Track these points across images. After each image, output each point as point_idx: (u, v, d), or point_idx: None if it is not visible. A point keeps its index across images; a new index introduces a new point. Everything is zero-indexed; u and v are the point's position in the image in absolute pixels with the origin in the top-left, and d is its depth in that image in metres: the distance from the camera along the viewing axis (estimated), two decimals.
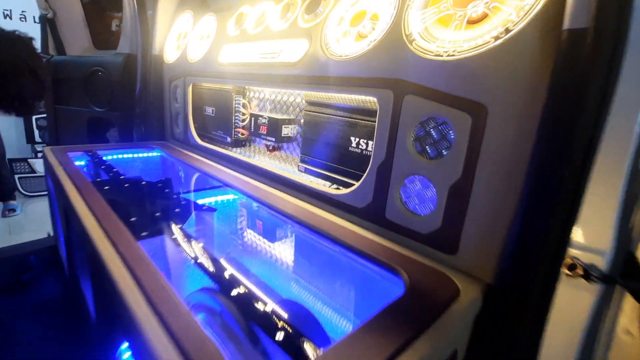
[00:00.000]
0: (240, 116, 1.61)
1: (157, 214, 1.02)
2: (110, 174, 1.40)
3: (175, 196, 1.18)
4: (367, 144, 1.02)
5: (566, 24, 0.59)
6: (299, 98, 1.35)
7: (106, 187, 1.22)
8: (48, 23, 2.25)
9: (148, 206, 1.10)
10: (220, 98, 1.65)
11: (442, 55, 0.75)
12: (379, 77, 0.90)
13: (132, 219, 0.96)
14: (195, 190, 1.30)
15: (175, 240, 0.88)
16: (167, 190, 1.24)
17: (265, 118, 1.41)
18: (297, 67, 1.13)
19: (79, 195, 1.08)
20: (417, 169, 0.85)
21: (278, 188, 1.29)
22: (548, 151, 0.62)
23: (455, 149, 0.77)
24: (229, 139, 1.65)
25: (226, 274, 0.76)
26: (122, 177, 1.36)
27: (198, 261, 0.78)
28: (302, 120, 1.27)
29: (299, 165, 1.26)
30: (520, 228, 0.68)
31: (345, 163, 1.09)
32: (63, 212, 1.30)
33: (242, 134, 1.63)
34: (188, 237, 0.89)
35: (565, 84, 0.58)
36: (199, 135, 1.84)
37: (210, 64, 1.57)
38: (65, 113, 2.42)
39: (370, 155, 0.99)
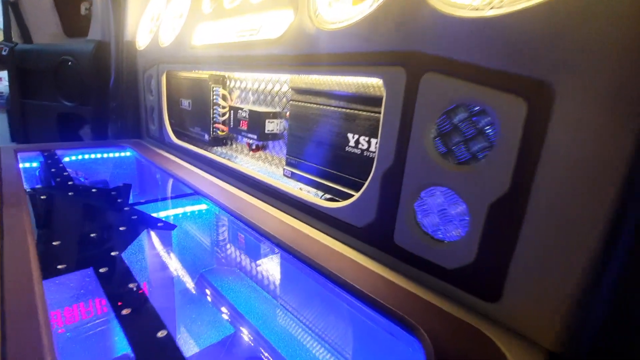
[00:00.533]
0: (220, 110, 1.36)
1: (93, 234, 0.77)
2: (58, 179, 1.15)
3: (127, 209, 0.94)
4: (369, 142, 0.77)
5: None
6: (286, 86, 1.11)
7: (43, 197, 0.97)
8: (11, 8, 2.00)
9: (87, 223, 0.85)
10: (196, 88, 1.41)
11: (482, 10, 0.50)
12: (385, 51, 0.65)
13: (55, 243, 0.72)
14: (157, 200, 1.05)
15: (102, 274, 0.63)
16: (119, 201, 1.00)
17: (245, 111, 1.16)
18: (280, 44, 0.88)
19: None
20: (440, 178, 0.60)
21: (260, 197, 1.04)
22: None
23: (500, 151, 0.52)
24: (206, 137, 1.40)
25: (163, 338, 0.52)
26: (71, 182, 1.12)
27: (123, 312, 0.53)
28: (287, 113, 1.02)
29: (284, 169, 1.02)
30: (615, 270, 0.43)
31: (342, 167, 0.84)
32: None
33: (222, 131, 1.39)
34: (122, 271, 0.64)
35: None
36: (176, 133, 1.59)
37: (182, 47, 1.33)
38: (33, 107, 2.18)
39: (373, 158, 0.74)
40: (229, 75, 1.37)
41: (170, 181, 1.33)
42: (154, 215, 0.98)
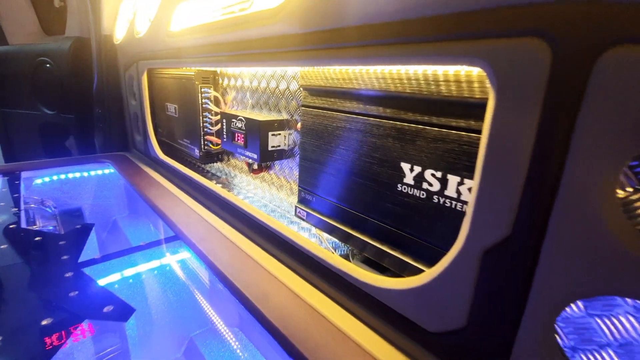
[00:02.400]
0: (211, 117, 1.05)
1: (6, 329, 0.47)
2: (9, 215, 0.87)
3: (69, 275, 0.63)
4: (443, 181, 0.43)
5: None
6: (296, 79, 0.78)
7: None
8: None
9: (6, 302, 0.56)
10: (182, 90, 1.09)
11: None
12: (498, 6, 0.31)
13: None
14: (121, 253, 0.75)
15: None
16: (65, 257, 0.70)
17: (240, 120, 0.84)
18: (284, 17, 0.55)
19: None
20: (635, 279, 0.26)
21: (265, 247, 0.72)
22: None
23: None
24: (196, 152, 1.09)
25: None
26: (13, 226, 0.83)
27: None
28: (299, 124, 0.69)
29: (296, 208, 0.69)
30: None
31: (389, 216, 0.51)
32: None
33: (215, 144, 1.07)
34: None
35: None
36: (164, 145, 1.29)
37: (158, 35, 1.01)
38: (12, 117, 1.92)
39: (455, 210, 0.41)
40: (221, 71, 1.06)
41: (142, 214, 1.03)
42: (110, 278, 0.68)
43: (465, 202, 0.42)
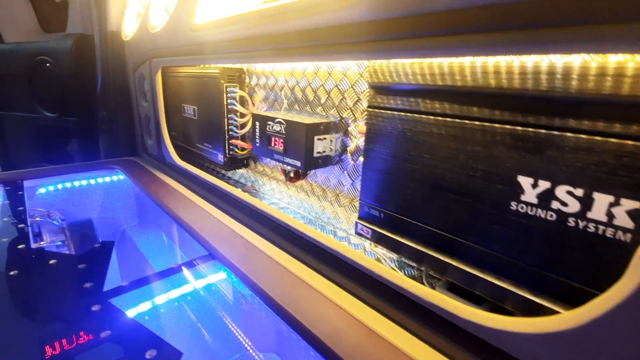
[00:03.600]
0: (237, 118, 0.95)
1: None
2: (4, 239, 0.76)
3: (96, 308, 0.54)
4: (586, 202, 0.34)
5: None
6: (343, 78, 0.69)
7: None
8: None
9: (21, 343, 0.46)
10: (203, 90, 1.00)
11: None
12: None
13: None
14: (147, 280, 0.65)
15: None
16: (88, 285, 0.60)
17: (280, 123, 0.75)
18: (345, 5, 0.46)
19: None
20: None
21: (315, 265, 0.63)
22: None
23: None
24: (220, 157, 1.00)
25: None
26: (22, 246, 0.73)
27: None
28: (363, 125, 0.60)
29: (357, 224, 0.60)
30: None
31: (496, 241, 0.42)
32: None
33: (241, 149, 0.98)
34: None
35: None
36: (179, 149, 1.19)
37: (180, 29, 0.91)
38: (10, 121, 1.81)
39: (620, 243, 0.32)
40: (248, 68, 0.96)
41: (174, 227, 0.94)
42: (139, 308, 0.58)
43: (620, 228, 0.33)
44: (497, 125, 0.40)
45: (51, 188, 1.24)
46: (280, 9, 0.59)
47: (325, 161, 0.74)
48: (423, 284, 0.54)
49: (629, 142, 0.32)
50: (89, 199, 1.28)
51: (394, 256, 0.61)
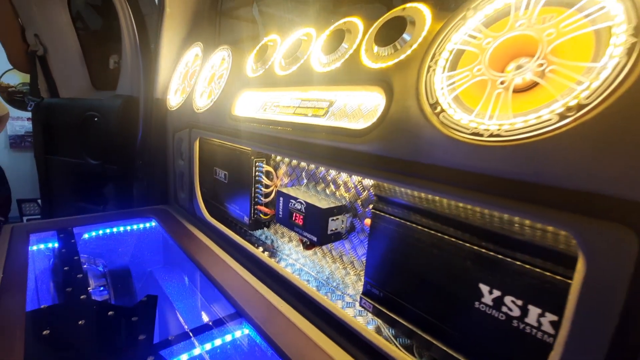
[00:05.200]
0: (262, 189, 1.12)
1: None
2: (69, 289, 0.92)
3: (151, 359, 0.68)
4: (523, 309, 0.49)
5: None
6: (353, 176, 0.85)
7: (45, 332, 0.74)
8: (39, 61, 1.90)
9: None
10: (235, 160, 1.18)
11: None
12: (586, 191, 0.38)
13: None
14: (187, 335, 0.79)
15: None
16: (141, 338, 0.74)
17: (301, 203, 0.91)
18: (367, 141, 0.63)
19: None
20: None
21: (324, 329, 0.76)
22: None
23: None
24: (246, 219, 1.16)
25: None
26: (84, 297, 0.88)
27: None
28: (368, 220, 0.75)
29: (361, 299, 0.74)
30: None
31: (464, 328, 0.56)
32: None
33: (265, 215, 1.14)
34: None
35: None
36: (209, 205, 1.36)
37: (221, 116, 1.11)
38: (58, 164, 2.03)
39: (545, 343, 0.46)
40: None
41: (199, 278, 1.08)
42: (183, 358, 0.72)
43: (545, 332, 0.47)
44: (466, 244, 0.55)
45: (93, 234, 1.41)
46: (309, 127, 0.77)
47: (336, 237, 0.89)
48: (414, 354, 0.67)
49: (548, 273, 0.46)
50: (125, 244, 1.44)
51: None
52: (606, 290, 0.38)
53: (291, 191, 0.99)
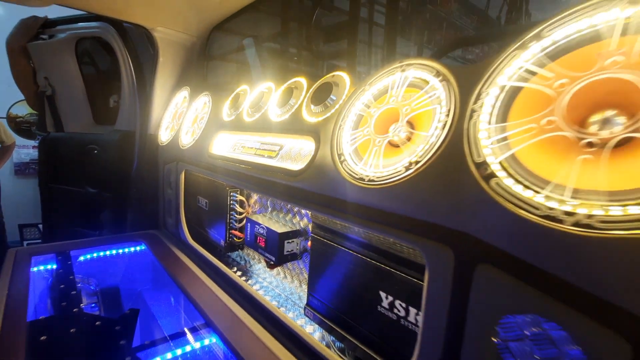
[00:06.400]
0: (236, 215, 1.29)
1: None
2: (64, 303, 1.07)
3: (131, 358, 0.82)
4: (406, 310, 0.64)
5: None
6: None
7: (42, 338, 0.88)
8: (47, 99, 2.11)
9: None
10: (214, 191, 1.35)
11: (562, 222, 0.39)
12: (428, 222, 0.55)
13: None
14: (164, 341, 0.94)
15: None
16: (123, 343, 0.89)
17: (263, 228, 1.07)
18: (300, 180, 0.80)
19: None
20: None
21: (277, 337, 0.90)
22: None
23: None
24: (222, 242, 1.32)
25: None
26: (76, 310, 1.03)
27: None
28: (309, 242, 0.91)
29: (305, 309, 0.89)
30: None
31: (375, 330, 0.71)
32: None
33: (238, 238, 1.30)
34: None
35: None
36: (192, 230, 1.52)
37: (201, 153, 1.30)
38: (59, 192, 2.21)
39: (415, 332, 0.61)
40: None
41: (179, 297, 1.23)
42: None
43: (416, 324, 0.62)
44: (369, 260, 0.71)
45: (88, 257, 1.57)
46: (264, 166, 0.95)
47: (292, 257, 1.05)
48: (347, 355, 0.81)
49: (413, 279, 0.62)
50: (117, 266, 1.59)
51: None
52: (439, 290, 0.54)
53: (258, 218, 1.15)
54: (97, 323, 0.98)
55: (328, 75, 0.87)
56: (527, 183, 0.42)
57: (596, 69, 0.41)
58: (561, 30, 0.45)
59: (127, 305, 1.53)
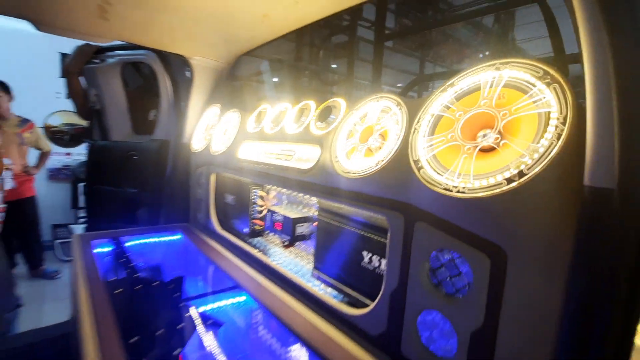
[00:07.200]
0: (257, 208, 1.61)
1: (159, 332, 0.98)
2: (128, 269, 1.40)
3: (182, 305, 1.14)
4: (380, 262, 0.95)
5: (587, 179, 0.53)
6: (315, 198, 1.34)
7: (118, 291, 1.21)
8: (95, 113, 2.50)
9: (153, 320, 1.06)
10: (239, 189, 1.68)
11: (451, 191, 0.70)
12: (387, 198, 0.86)
13: (134, 340, 0.92)
14: (205, 295, 1.26)
15: None
16: (176, 295, 1.21)
17: (280, 216, 1.39)
18: (309, 175, 1.12)
19: (87, 305, 1.08)
20: (433, 304, 0.76)
21: (291, 294, 1.22)
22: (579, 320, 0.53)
23: (475, 291, 0.68)
24: (245, 230, 1.64)
25: None
26: (138, 275, 1.36)
27: None
28: (316, 223, 1.23)
29: (312, 272, 1.20)
30: None
31: (359, 279, 1.02)
32: (72, 318, 1.30)
33: (259, 226, 1.62)
34: None
35: (592, 251, 0.50)
36: (220, 220, 1.85)
37: (230, 158, 1.63)
38: (103, 192, 2.57)
39: (383, 275, 0.91)
40: None
41: (212, 270, 1.55)
42: (204, 308, 1.18)
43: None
44: (355, 230, 1.02)
45: (134, 242, 1.90)
46: (282, 167, 1.27)
47: (303, 237, 1.36)
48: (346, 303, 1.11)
49: (381, 240, 0.93)
50: (158, 251, 1.92)
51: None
52: (395, 241, 0.84)
53: (276, 208, 1.47)
54: (154, 284, 1.31)
55: (329, 100, 1.20)
56: (438, 171, 0.74)
57: (476, 106, 0.72)
58: (463, 81, 0.77)
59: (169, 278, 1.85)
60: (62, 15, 1.48)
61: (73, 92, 2.44)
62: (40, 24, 1.49)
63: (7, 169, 3.36)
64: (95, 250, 1.71)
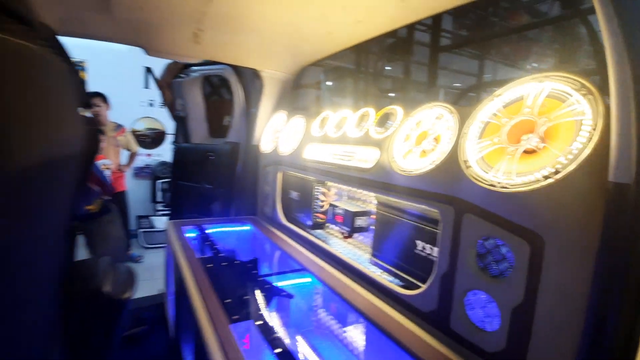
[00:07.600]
0: (320, 203, 1.82)
1: (246, 297, 1.21)
2: (213, 250, 1.69)
3: (260, 279, 1.38)
4: (432, 249, 1.09)
5: (611, 176, 0.63)
6: (373, 193, 1.50)
7: (209, 265, 1.48)
8: (180, 120, 2.91)
9: (239, 288, 1.31)
10: (303, 185, 1.90)
11: (495, 186, 0.82)
12: (439, 193, 1.00)
13: (227, 301, 1.17)
14: (277, 274, 1.49)
15: (259, 326, 1.04)
16: (254, 272, 1.45)
17: (341, 209, 1.58)
18: (369, 173, 1.29)
19: (190, 274, 1.35)
20: (479, 285, 0.89)
21: (351, 277, 1.39)
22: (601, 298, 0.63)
23: (516, 273, 0.80)
24: (309, 222, 1.85)
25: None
26: (221, 254, 1.63)
27: (276, 351, 0.92)
28: (374, 216, 1.39)
29: (370, 259, 1.37)
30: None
31: (412, 264, 1.16)
32: (177, 282, 1.60)
33: (321, 219, 1.82)
34: (269, 326, 1.05)
35: (616, 238, 0.61)
36: (284, 214, 2.09)
37: (297, 158, 1.86)
38: (184, 187, 2.99)
39: (434, 261, 1.05)
40: None
41: (280, 255, 1.78)
42: (278, 284, 1.40)
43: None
44: (410, 222, 1.17)
45: (213, 230, 2.22)
46: (344, 166, 1.45)
47: (361, 229, 1.53)
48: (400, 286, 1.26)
49: (433, 230, 1.06)
50: (231, 238, 2.22)
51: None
52: (447, 231, 0.98)
53: (337, 203, 1.66)
54: (236, 262, 1.57)
55: (387, 107, 1.35)
56: (484, 169, 0.86)
57: (520, 114, 0.84)
58: (508, 92, 0.88)
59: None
60: (166, 42, 1.82)
61: (166, 102, 2.88)
62: (150, 50, 1.84)
63: (107, 168, 4.01)
64: (186, 235, 2.05)
